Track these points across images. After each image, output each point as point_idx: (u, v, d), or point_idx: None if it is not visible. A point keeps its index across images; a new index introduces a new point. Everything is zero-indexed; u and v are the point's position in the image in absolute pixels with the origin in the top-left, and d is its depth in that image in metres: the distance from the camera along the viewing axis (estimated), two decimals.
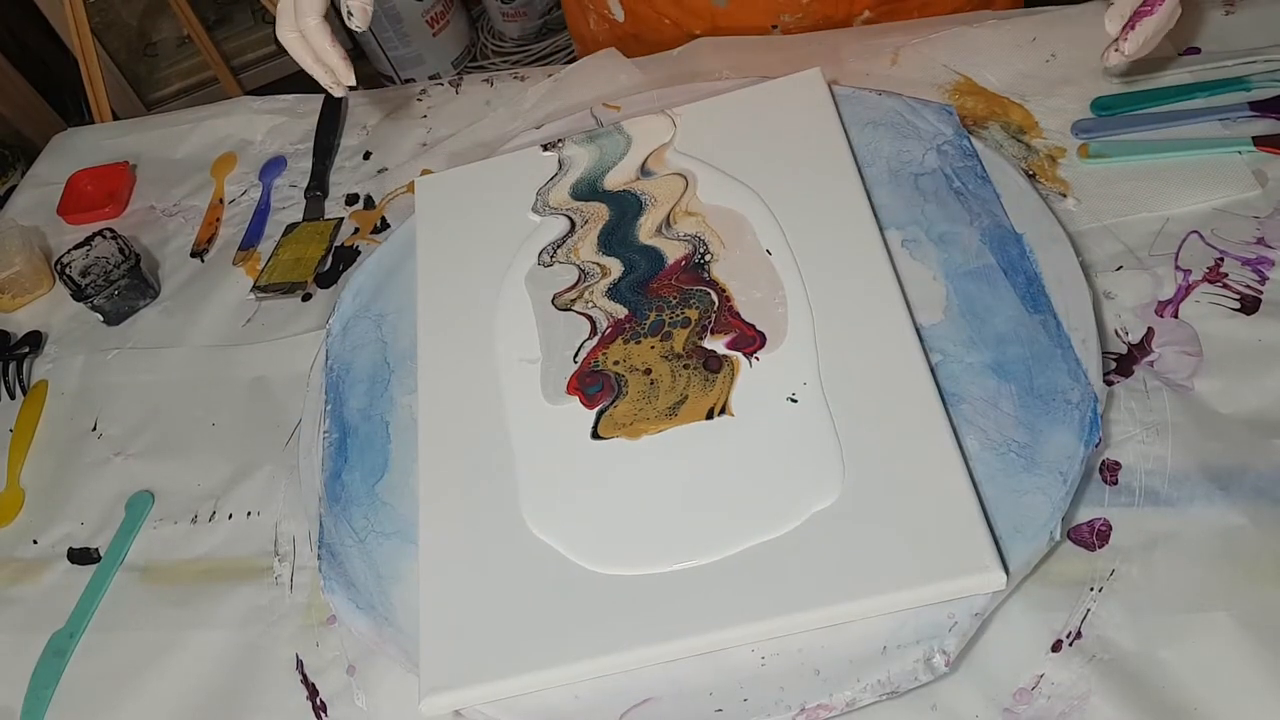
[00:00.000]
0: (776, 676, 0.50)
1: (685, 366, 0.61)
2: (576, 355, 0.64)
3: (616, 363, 0.62)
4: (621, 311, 0.65)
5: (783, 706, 0.49)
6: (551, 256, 0.70)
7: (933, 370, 0.57)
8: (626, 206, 0.71)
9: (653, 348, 0.62)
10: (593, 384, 0.62)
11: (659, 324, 0.63)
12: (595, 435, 0.60)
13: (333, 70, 0.68)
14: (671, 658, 0.52)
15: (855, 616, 0.50)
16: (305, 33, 0.67)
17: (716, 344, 0.61)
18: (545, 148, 0.76)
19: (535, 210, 0.73)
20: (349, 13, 0.66)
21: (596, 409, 0.61)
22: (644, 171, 0.72)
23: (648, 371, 0.61)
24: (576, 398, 0.62)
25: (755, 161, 0.70)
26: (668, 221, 0.69)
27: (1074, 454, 0.53)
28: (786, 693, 0.50)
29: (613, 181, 0.73)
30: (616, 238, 0.69)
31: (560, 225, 0.71)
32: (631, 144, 0.74)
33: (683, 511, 0.55)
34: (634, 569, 0.54)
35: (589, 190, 0.73)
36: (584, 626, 0.53)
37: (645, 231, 0.69)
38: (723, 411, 0.58)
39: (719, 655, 0.51)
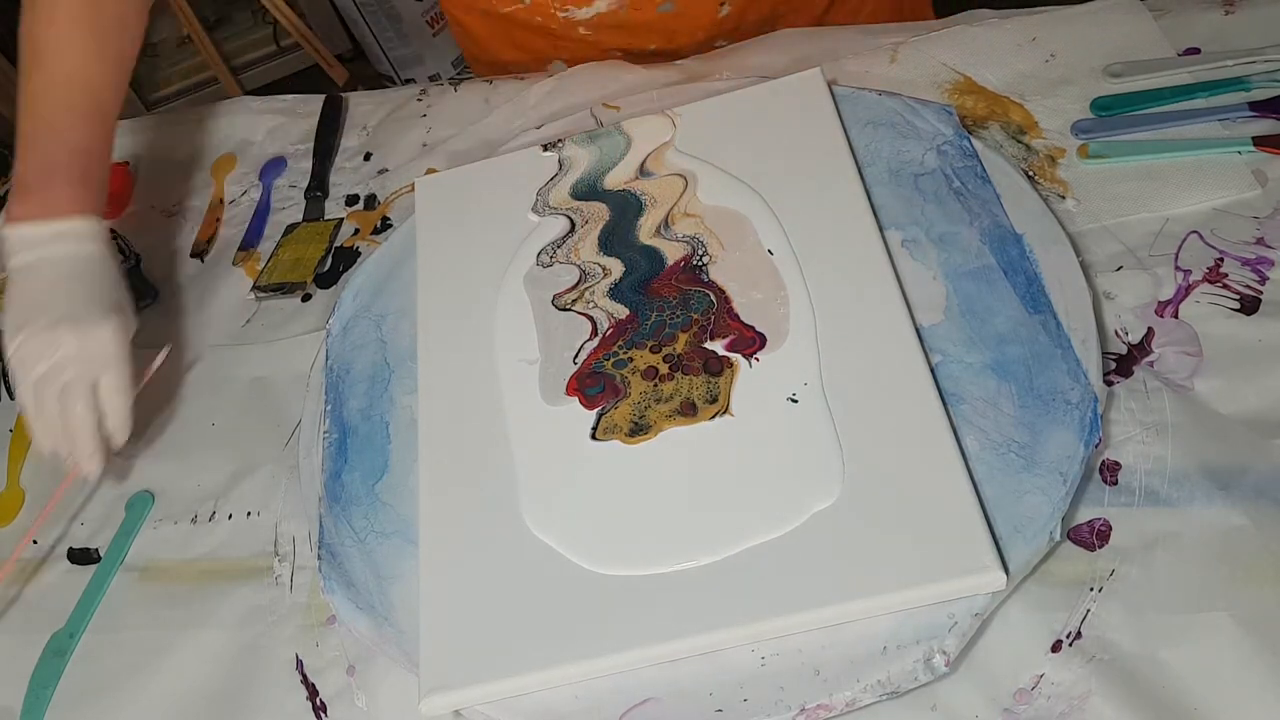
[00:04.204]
0: (776, 676, 0.50)
1: (687, 369, 0.61)
2: (576, 356, 0.63)
3: (618, 364, 0.62)
4: (623, 312, 0.65)
5: (783, 707, 0.49)
6: (551, 257, 0.69)
7: (933, 371, 0.57)
8: (626, 206, 0.71)
9: (654, 350, 0.62)
10: (594, 385, 0.62)
11: (660, 324, 0.63)
12: (595, 436, 0.60)
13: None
14: (672, 658, 0.52)
15: (855, 617, 0.50)
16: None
17: (717, 346, 0.61)
18: (545, 148, 0.76)
19: (535, 210, 0.73)
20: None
21: (597, 410, 0.61)
22: (644, 172, 0.72)
23: (650, 373, 0.61)
24: (576, 399, 0.62)
25: (756, 161, 0.70)
26: (666, 222, 0.69)
27: (1074, 454, 0.52)
28: (786, 693, 0.50)
29: (613, 181, 0.73)
30: (617, 238, 0.69)
31: (560, 225, 0.71)
32: (631, 144, 0.74)
33: (682, 511, 0.55)
34: (634, 569, 0.54)
35: (589, 190, 0.73)
36: (584, 627, 0.53)
37: (645, 232, 0.69)
38: (724, 412, 0.58)
39: (719, 655, 0.51)
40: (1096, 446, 0.53)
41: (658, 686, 0.51)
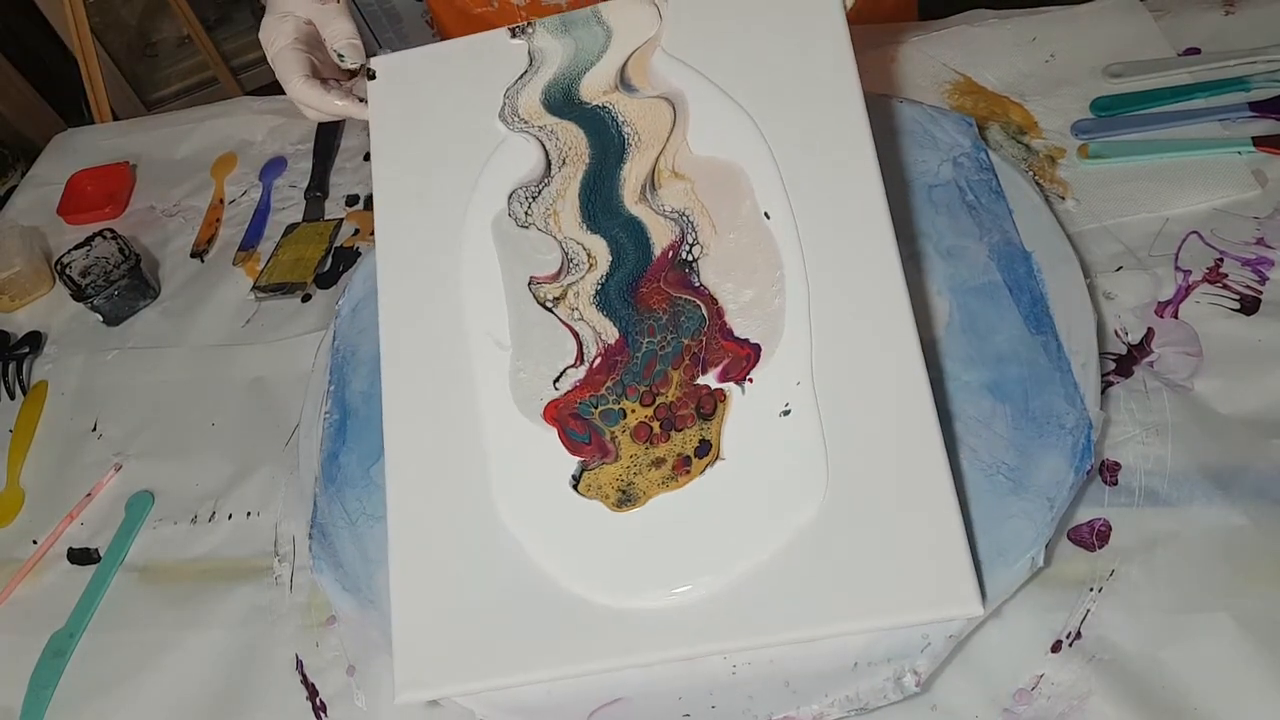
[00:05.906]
0: (746, 685, 0.50)
1: (680, 424, 0.55)
2: (558, 380, 0.57)
3: (608, 417, 0.56)
4: (612, 334, 0.58)
5: (750, 716, 0.49)
6: (527, 212, 0.61)
7: (928, 369, 0.53)
8: (608, 142, 0.62)
9: (647, 401, 0.56)
10: (579, 432, 0.56)
11: (650, 356, 0.57)
12: (577, 489, 0.55)
13: (345, 112, 0.69)
14: (642, 666, 0.51)
15: (828, 636, 0.50)
16: (298, 99, 0.68)
17: (710, 378, 0.55)
18: (513, 33, 0.66)
19: (503, 118, 0.64)
20: (339, 55, 0.67)
21: (580, 460, 0.55)
22: (625, 83, 0.63)
23: (641, 433, 0.55)
24: (555, 430, 0.56)
25: (753, 75, 0.61)
26: (653, 182, 0.61)
27: (1064, 479, 0.51)
28: (755, 702, 0.49)
29: (590, 90, 0.63)
30: (599, 199, 0.61)
31: (531, 155, 0.63)
32: (611, 38, 0.64)
33: (661, 531, 0.53)
34: (614, 599, 0.52)
35: (563, 99, 0.64)
36: (558, 638, 0.52)
37: (630, 191, 0.61)
38: (716, 460, 0.54)
39: (691, 660, 0.51)
40: (1088, 473, 0.52)
41: (628, 687, 0.51)
